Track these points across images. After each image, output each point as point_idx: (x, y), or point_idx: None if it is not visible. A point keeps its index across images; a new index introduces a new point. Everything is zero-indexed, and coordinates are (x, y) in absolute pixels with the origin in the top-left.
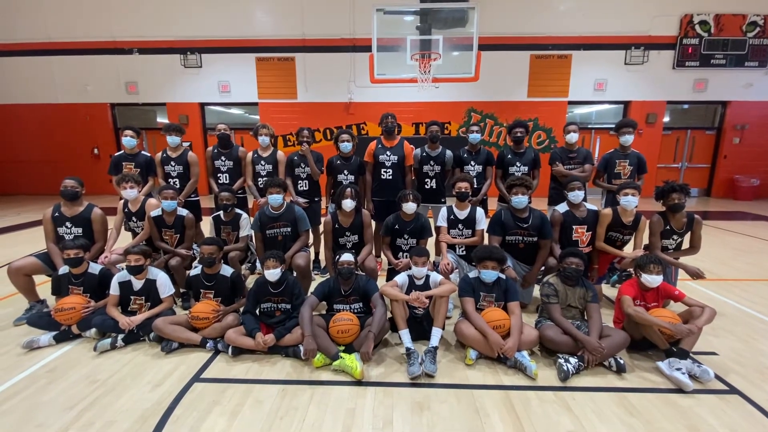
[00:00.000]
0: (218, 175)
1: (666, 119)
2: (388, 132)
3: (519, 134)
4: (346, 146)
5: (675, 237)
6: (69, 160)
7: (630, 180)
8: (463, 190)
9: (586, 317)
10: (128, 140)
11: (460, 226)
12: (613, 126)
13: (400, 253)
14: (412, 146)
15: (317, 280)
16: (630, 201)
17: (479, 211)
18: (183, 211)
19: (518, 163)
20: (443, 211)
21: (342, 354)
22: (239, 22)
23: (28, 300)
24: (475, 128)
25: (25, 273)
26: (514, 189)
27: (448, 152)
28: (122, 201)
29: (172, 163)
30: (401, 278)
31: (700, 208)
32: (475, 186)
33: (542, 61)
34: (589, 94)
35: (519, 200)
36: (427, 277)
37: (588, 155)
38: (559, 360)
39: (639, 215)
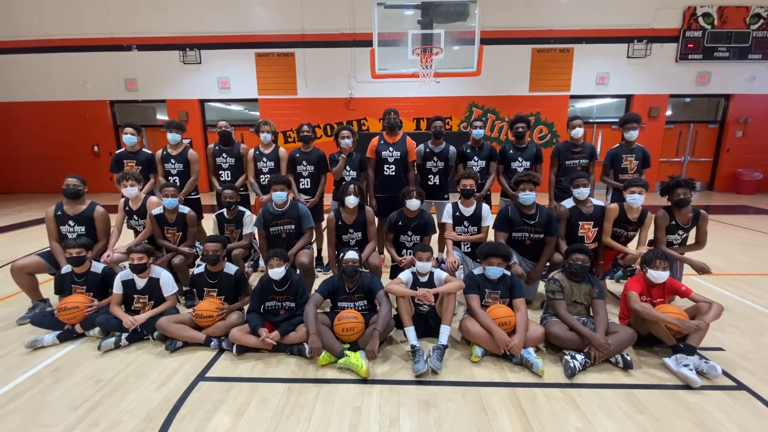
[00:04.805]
0: (219, 172)
1: (668, 113)
2: (391, 128)
3: (521, 129)
4: (347, 142)
5: (680, 232)
6: (69, 158)
7: (637, 177)
8: (468, 187)
9: (591, 313)
10: (129, 138)
11: (465, 223)
12: (616, 120)
13: (404, 250)
14: (414, 142)
15: (320, 277)
16: (636, 199)
17: (485, 207)
18: (185, 209)
19: (520, 158)
20: (448, 207)
21: (347, 352)
22: (238, 18)
23: (31, 299)
24: (478, 124)
25: (29, 272)
26: (521, 185)
27: (452, 148)
28: (123, 199)
29: (173, 160)
30: (406, 275)
31: (703, 202)
32: (479, 182)
33: (544, 55)
34: (591, 88)
35: (526, 197)
36: (432, 274)
37: (593, 150)
38: (566, 357)
39: (645, 211)
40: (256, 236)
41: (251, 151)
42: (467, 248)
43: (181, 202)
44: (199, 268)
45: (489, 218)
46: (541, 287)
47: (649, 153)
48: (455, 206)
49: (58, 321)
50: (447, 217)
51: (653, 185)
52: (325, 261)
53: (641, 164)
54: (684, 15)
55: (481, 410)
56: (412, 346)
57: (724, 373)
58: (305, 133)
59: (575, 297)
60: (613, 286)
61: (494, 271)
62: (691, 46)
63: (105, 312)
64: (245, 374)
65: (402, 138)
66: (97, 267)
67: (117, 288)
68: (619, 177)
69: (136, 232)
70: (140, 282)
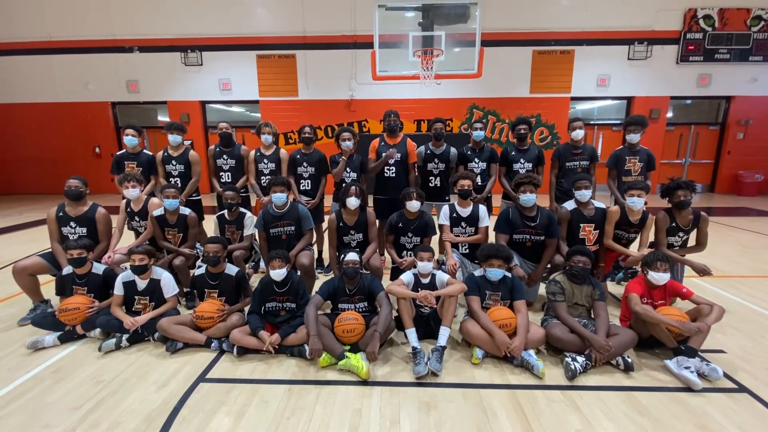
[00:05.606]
0: (220, 173)
1: (669, 115)
2: (391, 130)
3: (522, 131)
4: (348, 144)
5: (681, 234)
6: (70, 159)
7: (639, 179)
8: (465, 187)
9: (592, 315)
10: (130, 139)
11: (463, 224)
12: (617, 122)
13: (404, 252)
14: (414, 143)
15: (321, 279)
16: (636, 202)
17: (482, 208)
18: (185, 210)
19: (522, 160)
20: (445, 209)
21: (347, 353)
22: (240, 20)
23: (32, 300)
24: (478, 125)
25: (30, 273)
26: (522, 187)
27: (453, 150)
28: (125, 200)
29: (174, 162)
30: (407, 277)
31: (704, 205)
32: (480, 183)
33: (545, 56)
34: (591, 89)
35: (527, 198)
36: (433, 275)
37: (594, 152)
38: (566, 359)
39: (646, 213)
40: (257, 237)
41: (252, 153)
42: (465, 249)
43: (183, 204)
44: (199, 270)
45: (486, 219)
46: (542, 289)
47: (654, 156)
48: (452, 207)
49: (59, 322)
50: (444, 219)
51: (654, 187)
52: (326, 262)
53: (645, 167)
54: (685, 17)
55: (482, 412)
56: (413, 348)
57: (725, 375)
58: (307, 135)
59: (576, 299)
60: (614, 288)
61: (495, 273)
62: (692, 48)
63: (106, 313)
64: (246, 375)
65: (402, 140)
66: (98, 268)
67: (118, 289)
68: (622, 179)
69: (138, 234)
70: (141, 283)
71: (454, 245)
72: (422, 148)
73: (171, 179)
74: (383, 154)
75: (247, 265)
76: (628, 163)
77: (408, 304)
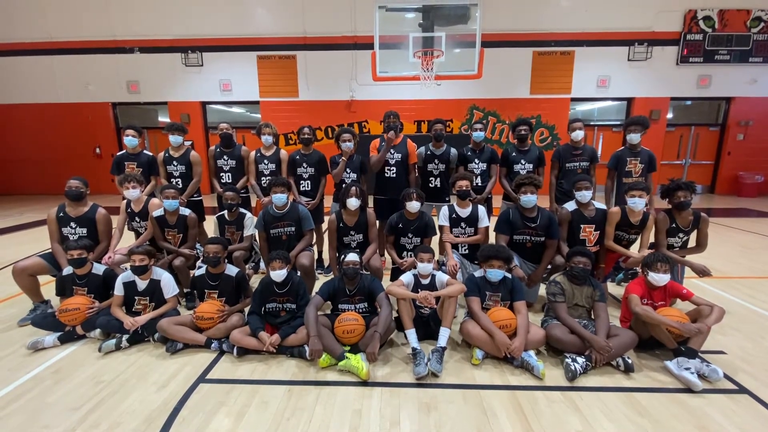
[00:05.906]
0: (220, 174)
1: (669, 116)
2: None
3: (523, 132)
4: (348, 145)
5: (681, 235)
6: (71, 160)
7: (640, 180)
8: (463, 188)
9: (592, 316)
10: (130, 140)
11: (462, 224)
12: (617, 123)
13: (404, 252)
14: (414, 144)
15: (321, 279)
16: (637, 203)
17: (481, 209)
18: (186, 211)
19: (523, 161)
20: (444, 209)
21: (347, 354)
22: (240, 21)
23: (32, 300)
24: (478, 126)
25: (30, 273)
26: (523, 188)
27: (453, 150)
28: (125, 201)
29: (175, 162)
30: (407, 277)
31: (704, 205)
32: (480, 184)
33: (545, 57)
34: (592, 90)
35: (528, 199)
36: (433, 276)
37: (594, 153)
38: (567, 359)
39: (646, 215)
40: (257, 238)
41: (252, 153)
42: (465, 250)
43: (184, 204)
44: (200, 270)
45: (486, 219)
46: (542, 290)
47: (655, 157)
48: (451, 208)
49: (59, 322)
50: (444, 220)
51: (655, 188)
52: (326, 263)
53: (646, 168)
54: (685, 18)
55: (482, 413)
56: (413, 349)
57: (726, 376)
58: (305, 136)
59: (576, 300)
60: (614, 289)
61: (495, 274)
62: (692, 49)
63: (106, 313)
64: (246, 376)
65: (402, 140)
66: (99, 269)
67: (118, 289)
68: (623, 180)
69: (138, 234)
70: (141, 284)
71: (454, 246)
72: (422, 148)
73: (172, 180)
74: (385, 136)
75: (247, 266)
76: (629, 164)
77: (408, 304)
